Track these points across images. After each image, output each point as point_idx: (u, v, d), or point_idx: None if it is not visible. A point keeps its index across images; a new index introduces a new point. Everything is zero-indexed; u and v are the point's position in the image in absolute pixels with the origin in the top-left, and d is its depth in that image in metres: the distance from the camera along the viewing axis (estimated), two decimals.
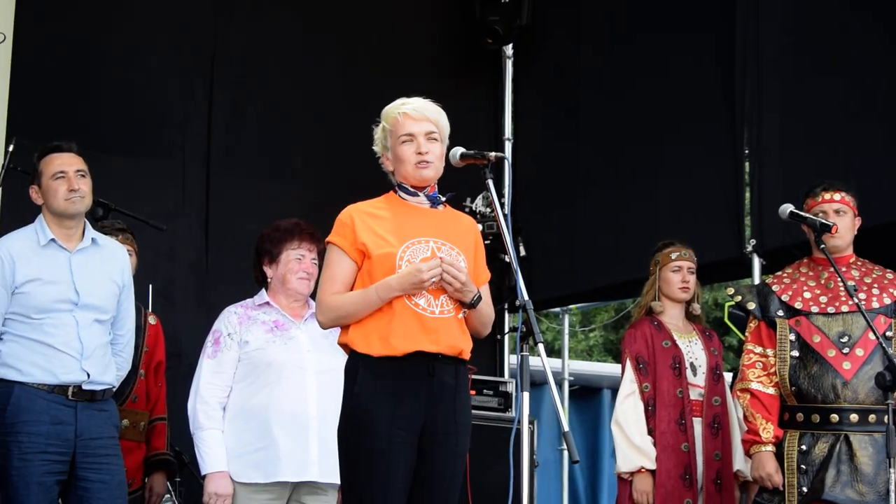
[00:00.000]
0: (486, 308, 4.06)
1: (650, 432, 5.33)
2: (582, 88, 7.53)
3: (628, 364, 5.43)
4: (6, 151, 5.55)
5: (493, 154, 4.01)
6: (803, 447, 4.88)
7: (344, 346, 4.01)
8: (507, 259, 4.54)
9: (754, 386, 5.00)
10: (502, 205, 4.03)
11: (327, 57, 7.57)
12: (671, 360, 5.39)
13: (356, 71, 7.56)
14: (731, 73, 6.55)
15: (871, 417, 4.79)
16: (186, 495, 5.63)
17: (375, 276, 3.92)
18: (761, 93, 6.40)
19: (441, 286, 3.90)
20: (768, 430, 4.93)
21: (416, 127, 4.02)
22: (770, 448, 4.93)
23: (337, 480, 4.28)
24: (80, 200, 4.60)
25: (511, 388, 6.55)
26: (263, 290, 4.98)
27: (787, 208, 4.97)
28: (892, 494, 4.44)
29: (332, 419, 4.08)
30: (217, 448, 4.76)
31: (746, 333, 5.15)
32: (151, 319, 5.42)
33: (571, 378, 9.03)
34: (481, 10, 7.70)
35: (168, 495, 5.35)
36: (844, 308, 4.92)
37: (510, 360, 7.79)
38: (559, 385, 8.45)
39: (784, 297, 5.04)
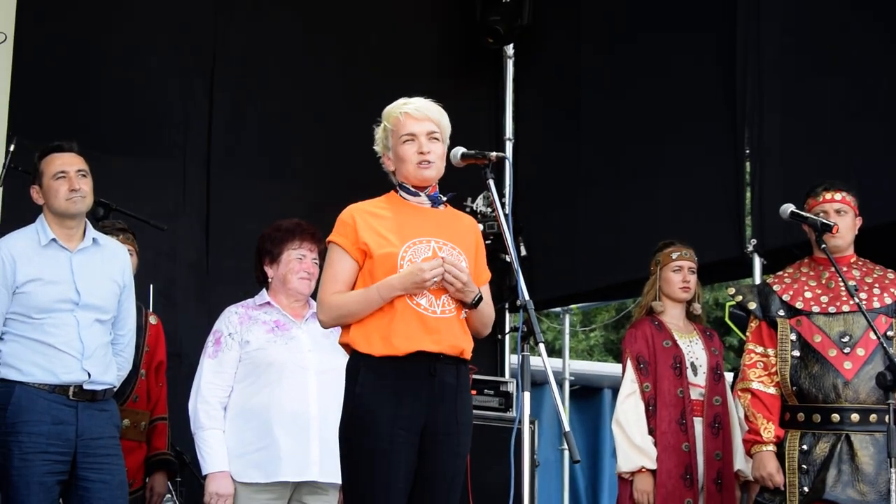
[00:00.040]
0: (487, 308, 4.06)
1: (651, 432, 5.33)
2: (583, 88, 7.53)
3: (629, 364, 5.43)
4: (7, 151, 5.55)
5: (493, 154, 4.02)
6: (804, 447, 4.88)
7: (345, 345, 4.01)
8: (507, 259, 4.53)
9: (755, 386, 5.00)
10: (503, 205, 4.02)
11: (327, 57, 7.57)
12: (672, 359, 5.39)
13: (356, 71, 7.56)
14: (732, 72, 6.55)
15: (873, 417, 4.79)
16: (187, 495, 5.63)
17: (377, 275, 3.92)
18: (762, 93, 6.40)
19: (442, 286, 3.90)
20: (769, 430, 4.93)
21: (418, 127, 4.02)
22: (771, 448, 4.93)
23: (338, 480, 4.28)
24: (81, 200, 4.60)
25: (512, 387, 6.55)
26: (264, 290, 4.98)
27: (788, 208, 4.97)
28: (894, 494, 4.43)
29: (332, 419, 4.08)
30: (218, 448, 4.76)
31: (747, 333, 5.15)
32: (152, 319, 5.42)
33: (572, 378, 9.04)
34: (482, 10, 7.70)
35: (169, 495, 5.35)
36: (845, 308, 4.92)
37: (511, 360, 7.79)
38: (560, 385, 8.45)
39: (785, 297, 5.04)
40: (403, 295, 3.88)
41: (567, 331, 9.15)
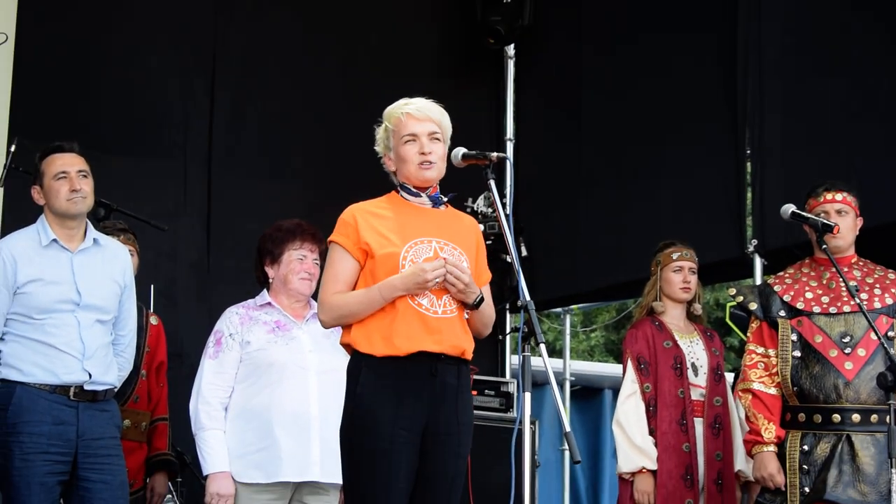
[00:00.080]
0: (488, 309, 4.06)
1: (651, 433, 5.32)
2: (584, 89, 7.53)
3: (629, 364, 5.43)
4: (8, 151, 5.55)
5: (495, 154, 4.01)
6: (805, 447, 4.87)
7: (346, 346, 4.01)
8: (508, 259, 4.54)
9: (756, 386, 4.99)
10: (504, 205, 4.02)
11: (327, 57, 7.57)
12: (672, 360, 5.38)
13: (356, 71, 7.56)
14: (733, 73, 6.55)
15: (874, 417, 4.79)
16: (188, 495, 5.63)
17: (378, 275, 3.91)
18: (763, 93, 6.40)
19: (444, 287, 3.90)
20: (770, 431, 4.93)
21: (420, 127, 4.01)
22: (772, 448, 4.93)
23: (339, 480, 4.28)
24: (82, 201, 4.60)
25: (512, 388, 6.55)
26: (265, 290, 4.98)
27: (789, 208, 4.97)
28: (895, 495, 4.43)
29: (333, 419, 4.08)
30: (219, 448, 4.76)
31: (748, 334, 5.14)
32: (153, 320, 5.42)
33: (573, 378, 9.05)
34: (483, 10, 7.69)
35: (169, 496, 5.34)
36: (846, 308, 4.92)
37: (511, 361, 7.79)
38: (560, 385, 8.45)
39: (786, 298, 5.04)
40: (405, 295, 3.88)
41: (568, 331, 9.17)
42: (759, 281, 6.16)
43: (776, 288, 5.09)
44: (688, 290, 5.52)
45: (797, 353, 4.95)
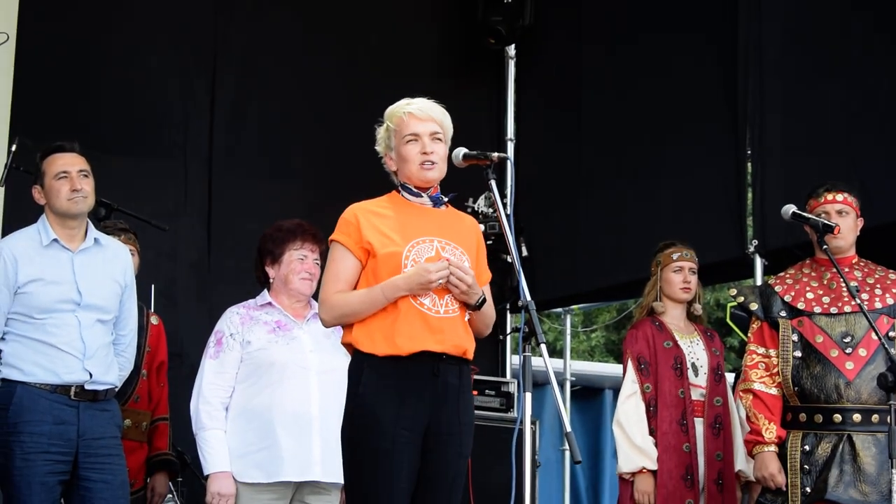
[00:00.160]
0: (489, 309, 4.06)
1: (651, 433, 5.32)
2: (584, 89, 7.54)
3: (630, 364, 5.43)
4: (9, 151, 5.55)
5: (495, 154, 4.01)
6: (806, 447, 4.87)
7: (347, 345, 4.01)
8: (509, 259, 4.54)
9: (757, 386, 4.99)
10: (504, 205, 4.02)
11: (327, 57, 7.57)
12: (673, 360, 5.38)
13: (356, 71, 7.56)
14: (734, 73, 6.55)
15: (874, 417, 4.78)
16: (188, 495, 5.63)
17: (380, 275, 3.91)
18: (763, 93, 6.40)
19: (446, 287, 3.90)
20: (771, 431, 4.93)
21: (422, 127, 4.02)
22: (773, 448, 4.93)
23: (340, 480, 4.29)
24: (83, 200, 4.60)
25: (513, 388, 6.55)
26: (265, 290, 4.98)
27: (790, 209, 4.97)
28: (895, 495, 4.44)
29: (334, 419, 4.08)
30: (220, 448, 4.75)
31: (749, 334, 5.14)
32: (153, 319, 5.42)
33: (573, 378, 9.04)
34: (484, 10, 7.69)
35: (170, 495, 5.34)
36: (847, 308, 4.92)
37: (512, 361, 7.79)
38: (561, 385, 8.45)
39: (787, 298, 5.04)
40: (407, 295, 3.88)
41: (568, 331, 9.17)
42: (759, 281, 6.16)
43: (777, 288, 5.09)
44: (688, 290, 5.52)
45: (798, 354, 4.95)
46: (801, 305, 5.00)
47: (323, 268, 4.19)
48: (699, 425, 5.36)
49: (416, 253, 3.94)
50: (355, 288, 3.97)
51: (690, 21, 6.94)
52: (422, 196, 4.07)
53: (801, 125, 6.24)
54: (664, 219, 6.82)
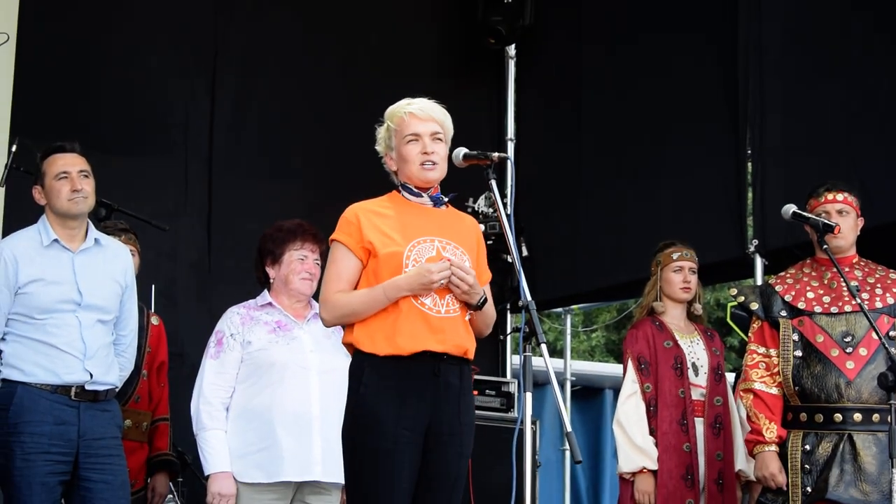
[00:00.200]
0: (489, 309, 4.06)
1: (652, 433, 5.32)
2: (584, 89, 7.54)
3: (630, 364, 5.43)
4: (9, 151, 5.55)
5: (496, 154, 4.01)
6: (807, 447, 4.87)
7: (348, 345, 4.00)
8: (509, 259, 4.54)
9: (757, 386, 4.99)
10: (505, 205, 4.02)
11: (327, 57, 7.57)
12: (673, 360, 5.38)
13: (356, 71, 7.57)
14: (734, 73, 6.56)
15: (875, 417, 4.78)
16: (189, 496, 5.63)
17: (382, 274, 3.91)
18: (763, 93, 6.40)
19: (448, 287, 3.90)
20: (772, 430, 4.93)
21: (422, 127, 4.01)
22: (773, 448, 4.92)
23: (340, 480, 4.29)
24: (83, 201, 4.60)
25: (513, 388, 6.55)
26: (266, 290, 4.98)
27: (790, 209, 4.97)
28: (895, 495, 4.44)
29: (334, 419, 4.08)
30: (220, 448, 4.75)
31: (749, 334, 5.14)
32: (154, 320, 5.42)
33: (573, 378, 9.05)
34: (484, 10, 7.69)
35: (170, 496, 5.35)
36: (847, 308, 4.92)
37: (512, 361, 7.79)
38: (561, 385, 8.45)
39: (787, 298, 5.04)
40: (408, 295, 3.88)
41: (568, 331, 9.17)
42: (759, 281, 6.16)
43: (777, 288, 5.09)
44: (688, 290, 5.52)
45: (798, 353, 4.95)
46: (801, 305, 5.00)
47: (323, 268, 4.18)
48: (699, 425, 5.36)
49: (417, 253, 3.94)
50: (356, 288, 3.97)
51: (690, 21, 6.94)
52: (422, 196, 4.07)
53: (801, 125, 6.24)
54: (664, 219, 6.82)
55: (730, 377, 5.76)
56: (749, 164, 6.52)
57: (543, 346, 3.68)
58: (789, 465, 4.89)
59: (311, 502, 4.78)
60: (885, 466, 4.65)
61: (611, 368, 11.19)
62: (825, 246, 4.90)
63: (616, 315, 14.65)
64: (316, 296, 4.40)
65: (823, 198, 5.01)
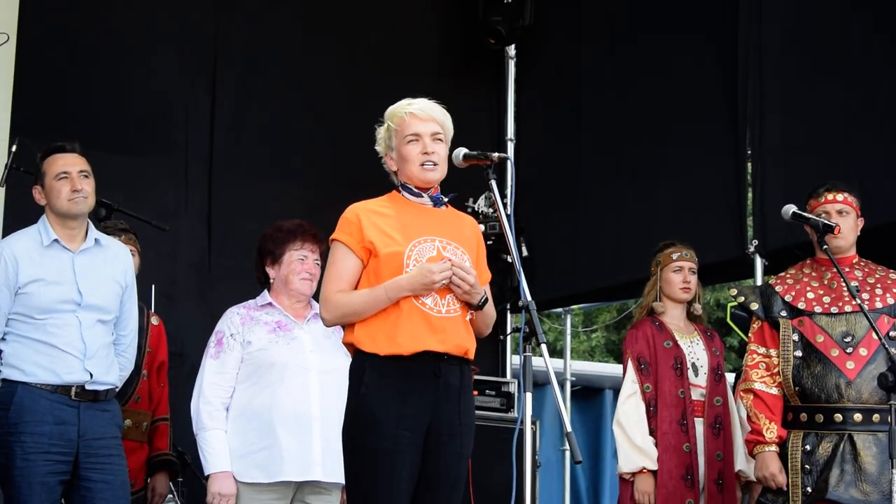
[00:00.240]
0: (490, 309, 4.06)
1: (652, 433, 5.32)
2: (584, 89, 7.54)
3: (630, 364, 5.43)
4: (9, 151, 5.55)
5: (496, 155, 4.02)
6: (807, 447, 4.87)
7: (349, 345, 4.00)
8: (509, 259, 4.54)
9: (757, 386, 4.99)
10: (505, 205, 4.02)
11: (327, 57, 7.57)
12: (673, 360, 5.39)
13: (356, 71, 7.56)
14: (733, 73, 6.55)
15: (875, 417, 4.79)
16: (189, 496, 5.63)
17: (382, 274, 3.91)
18: (763, 93, 6.40)
19: (448, 287, 3.90)
20: (772, 431, 4.93)
21: (423, 127, 4.02)
22: (774, 448, 4.93)
23: (340, 480, 4.29)
24: (84, 201, 4.60)
25: (513, 388, 6.55)
26: (266, 290, 4.98)
27: (790, 209, 4.97)
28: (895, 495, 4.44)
29: (335, 419, 4.08)
30: (220, 448, 4.75)
31: (749, 334, 5.14)
32: (154, 320, 5.42)
33: (573, 378, 9.04)
34: (484, 10, 7.69)
35: (171, 496, 5.35)
36: (847, 308, 4.92)
37: (512, 361, 7.79)
38: (561, 385, 8.45)
39: (787, 298, 5.04)
40: (409, 295, 3.88)
41: (568, 331, 9.16)
42: (759, 281, 6.16)
43: (777, 288, 5.09)
44: (688, 290, 5.52)
45: (798, 353, 4.95)
46: (801, 305, 5.00)
47: (323, 268, 4.18)
48: (699, 425, 5.36)
49: (417, 252, 3.94)
50: (356, 287, 3.97)
51: (690, 21, 6.94)
52: (422, 196, 4.07)
53: (800, 125, 6.24)
54: (664, 219, 6.82)
55: (730, 377, 5.76)
56: (749, 165, 6.52)
57: (543, 347, 3.68)
58: (789, 465, 4.89)
59: (311, 502, 4.79)
60: (886, 466, 4.65)
61: (611, 369, 11.19)
62: (825, 246, 4.90)
63: (616, 315, 14.65)
64: (316, 296, 4.40)
65: (823, 198, 5.02)
